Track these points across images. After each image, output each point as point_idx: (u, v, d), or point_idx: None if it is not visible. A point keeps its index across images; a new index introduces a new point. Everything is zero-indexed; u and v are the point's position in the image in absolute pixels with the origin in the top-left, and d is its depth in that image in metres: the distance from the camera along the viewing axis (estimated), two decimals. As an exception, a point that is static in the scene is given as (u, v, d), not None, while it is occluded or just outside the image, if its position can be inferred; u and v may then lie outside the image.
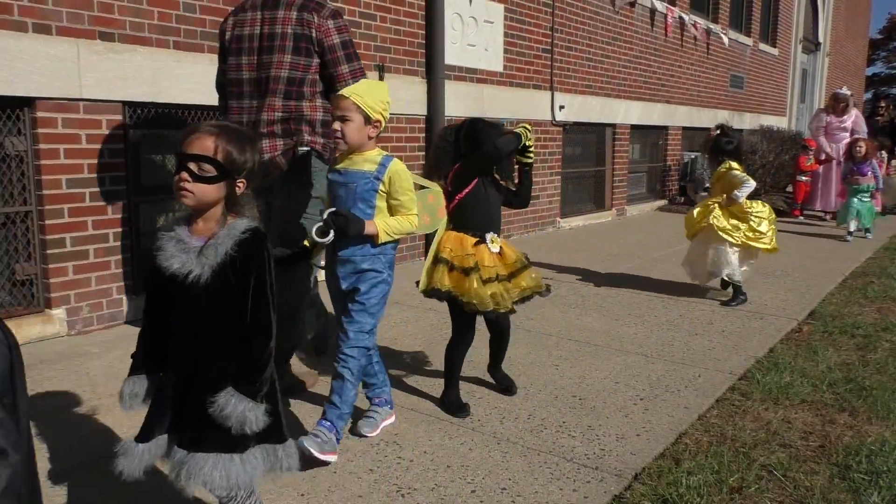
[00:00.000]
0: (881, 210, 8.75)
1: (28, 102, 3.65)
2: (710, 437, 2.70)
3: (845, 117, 9.18)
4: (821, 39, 17.41)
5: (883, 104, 12.46)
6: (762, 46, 13.65)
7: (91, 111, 3.87)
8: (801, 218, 9.20)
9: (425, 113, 5.99)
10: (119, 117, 4.01)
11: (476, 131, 2.89)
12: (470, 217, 2.86)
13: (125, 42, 3.98)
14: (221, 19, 4.38)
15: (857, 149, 7.41)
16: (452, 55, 6.20)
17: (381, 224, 2.46)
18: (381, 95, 2.47)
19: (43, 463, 2.42)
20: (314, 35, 2.93)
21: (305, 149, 2.97)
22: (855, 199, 7.44)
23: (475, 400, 3.01)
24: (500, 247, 2.89)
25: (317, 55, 2.96)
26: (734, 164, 4.66)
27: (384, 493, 2.26)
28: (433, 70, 5.94)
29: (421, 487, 2.29)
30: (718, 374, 3.36)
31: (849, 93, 9.39)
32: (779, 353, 3.68)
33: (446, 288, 2.74)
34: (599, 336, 3.94)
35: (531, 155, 2.98)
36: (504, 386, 3.12)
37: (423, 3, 5.89)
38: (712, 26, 11.25)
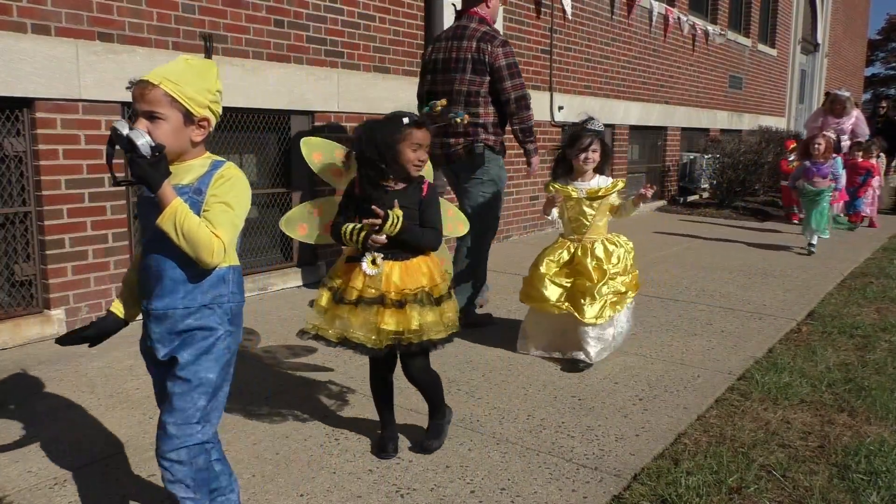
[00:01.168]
0: (853, 219, 8.40)
1: (27, 103, 3.65)
2: (710, 437, 2.70)
3: (843, 119, 8.81)
4: (819, 40, 17.43)
5: (884, 104, 11.94)
6: (761, 47, 13.67)
7: (90, 112, 3.87)
8: (798, 222, 8.67)
9: (424, 114, 5.98)
10: (118, 118, 4.01)
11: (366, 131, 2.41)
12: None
13: (124, 43, 3.98)
14: (220, 19, 4.41)
15: (816, 146, 6.45)
16: (451, 56, 6.19)
17: (178, 205, 1.69)
18: (206, 82, 1.79)
19: (42, 464, 2.42)
20: (486, 59, 3.92)
21: (480, 144, 4.04)
22: (811, 208, 6.55)
23: (474, 400, 3.01)
24: (400, 270, 2.35)
25: (487, 74, 3.94)
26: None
27: (383, 493, 2.26)
28: (432, 71, 5.94)
29: (420, 488, 2.29)
30: (717, 374, 3.36)
31: (847, 94, 9.03)
32: (778, 354, 3.68)
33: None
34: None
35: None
36: (421, 444, 2.56)
37: (423, 4, 5.89)
38: (710, 27, 11.26)
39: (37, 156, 3.70)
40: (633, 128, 9.42)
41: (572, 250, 3.51)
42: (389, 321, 2.30)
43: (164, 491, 2.23)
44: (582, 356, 3.41)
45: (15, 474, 2.35)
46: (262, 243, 5.08)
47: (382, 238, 2.30)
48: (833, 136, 6.63)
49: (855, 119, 8.88)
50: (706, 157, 10.92)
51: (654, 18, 9.56)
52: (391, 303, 2.31)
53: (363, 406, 2.94)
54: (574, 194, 3.45)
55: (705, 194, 11.16)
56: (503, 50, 3.92)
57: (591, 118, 3.43)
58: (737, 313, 4.46)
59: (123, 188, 4.07)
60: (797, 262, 6.09)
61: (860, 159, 8.45)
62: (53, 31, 3.69)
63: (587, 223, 3.49)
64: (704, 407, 2.97)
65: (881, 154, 9.14)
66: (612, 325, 3.45)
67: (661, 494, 2.26)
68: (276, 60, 4.80)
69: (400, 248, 2.36)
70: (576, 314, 3.35)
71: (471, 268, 4.09)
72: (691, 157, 11.10)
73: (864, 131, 8.99)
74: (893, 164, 10.24)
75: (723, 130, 11.95)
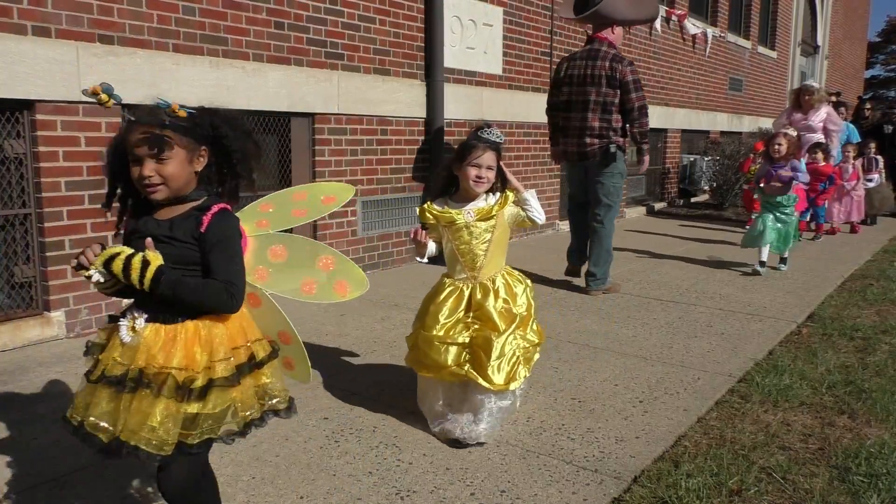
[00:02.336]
0: (818, 230, 7.71)
1: (27, 105, 3.65)
2: (710, 439, 2.69)
3: (811, 115, 7.79)
4: (819, 42, 17.44)
5: (869, 105, 11.12)
6: (761, 49, 13.68)
7: (90, 114, 3.87)
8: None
9: (424, 115, 6.00)
10: (118, 120, 4.01)
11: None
12: None
13: (124, 45, 3.98)
14: (220, 21, 4.41)
15: (776, 146, 5.57)
16: (451, 58, 6.20)
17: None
18: None
19: (42, 467, 2.42)
20: (617, 76, 4.78)
21: (614, 145, 4.89)
22: (770, 217, 5.63)
23: (474, 402, 3.01)
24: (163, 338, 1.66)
25: (617, 88, 4.81)
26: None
27: (383, 495, 2.25)
28: (432, 73, 5.94)
29: (420, 490, 2.29)
30: (718, 376, 3.36)
31: (816, 85, 8.04)
32: (778, 356, 3.68)
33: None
34: (598, 338, 3.93)
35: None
36: None
37: (423, 6, 5.90)
38: (710, 29, 11.27)
39: (37, 157, 3.70)
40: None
41: (466, 293, 2.67)
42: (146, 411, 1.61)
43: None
44: (468, 433, 2.56)
45: (14, 476, 2.35)
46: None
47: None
48: (794, 133, 5.81)
49: (826, 115, 7.91)
50: (706, 159, 10.92)
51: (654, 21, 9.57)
52: (143, 384, 1.62)
53: (363, 408, 2.93)
54: (459, 219, 2.66)
55: (705, 196, 11.16)
56: (630, 69, 4.82)
57: (487, 125, 2.70)
58: (737, 315, 4.46)
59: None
60: (797, 264, 6.08)
61: (821, 163, 7.27)
62: (54, 33, 3.69)
63: (481, 254, 2.68)
64: (705, 409, 2.97)
65: (856, 157, 8.31)
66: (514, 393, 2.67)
67: (661, 497, 2.26)
68: (277, 62, 4.80)
69: (168, 307, 1.66)
70: (480, 380, 2.54)
71: (608, 244, 4.97)
72: (691, 158, 11.10)
73: (838, 130, 8.06)
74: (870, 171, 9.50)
75: (723, 132, 11.95)
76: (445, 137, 6.17)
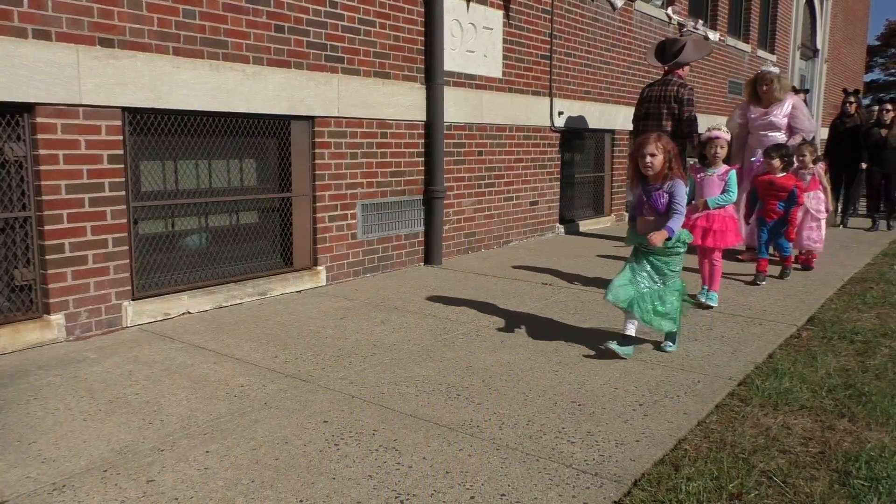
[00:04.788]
0: (786, 263, 5.66)
1: (28, 108, 3.66)
2: (710, 442, 2.69)
3: (773, 108, 6.36)
4: (819, 46, 17.47)
5: (853, 100, 9.56)
6: (760, 53, 13.69)
7: (90, 117, 3.87)
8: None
9: (424, 119, 6.00)
10: (118, 123, 4.01)
11: None
12: None
13: (125, 48, 3.99)
14: (221, 25, 4.42)
15: (647, 159, 3.53)
16: (451, 61, 6.21)
17: None
18: None
19: (41, 469, 2.42)
20: (678, 95, 6.67)
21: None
22: (640, 265, 3.65)
23: (474, 406, 3.01)
24: None
25: (676, 104, 6.66)
26: None
27: (383, 499, 2.25)
28: (432, 76, 5.95)
29: (420, 493, 2.28)
30: (718, 379, 3.35)
31: (776, 70, 6.57)
32: (778, 359, 3.67)
33: None
34: (599, 341, 3.93)
35: None
36: None
37: (423, 10, 5.91)
38: (710, 33, 11.28)
39: (37, 161, 3.71)
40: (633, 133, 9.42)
41: None
42: None
43: (162, 496, 2.23)
44: None
45: (14, 479, 2.35)
46: (262, 248, 5.08)
47: None
48: (727, 136, 4.82)
49: (792, 108, 6.37)
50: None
51: (654, 24, 9.58)
52: None
53: (363, 411, 2.93)
54: None
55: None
56: (687, 91, 6.66)
57: None
58: (737, 318, 4.46)
59: (123, 193, 4.08)
60: (797, 267, 6.08)
61: (779, 174, 5.40)
62: (54, 37, 3.70)
63: None
64: (705, 412, 2.97)
65: (819, 159, 6.38)
66: None
67: (661, 500, 2.26)
68: (277, 66, 4.80)
69: None
70: None
71: None
72: (691, 162, 11.10)
73: (807, 126, 6.44)
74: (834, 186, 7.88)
75: (722, 136, 11.94)
76: (445, 141, 6.18)
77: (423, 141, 6.05)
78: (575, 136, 8.28)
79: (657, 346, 3.82)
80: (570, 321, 4.37)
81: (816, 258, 6.16)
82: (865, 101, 12.04)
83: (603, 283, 5.40)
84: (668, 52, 7.07)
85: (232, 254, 4.86)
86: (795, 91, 9.34)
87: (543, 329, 4.18)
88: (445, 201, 6.29)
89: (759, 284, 5.43)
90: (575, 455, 2.56)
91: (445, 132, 6.15)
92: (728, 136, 4.82)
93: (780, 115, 6.38)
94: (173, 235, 4.54)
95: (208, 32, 4.38)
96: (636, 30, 9.20)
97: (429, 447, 2.62)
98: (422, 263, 6.21)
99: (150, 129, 4.24)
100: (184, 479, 2.35)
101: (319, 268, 5.29)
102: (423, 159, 6.07)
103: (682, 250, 3.67)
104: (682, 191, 3.56)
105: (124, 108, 4.03)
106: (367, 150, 5.56)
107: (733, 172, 4.71)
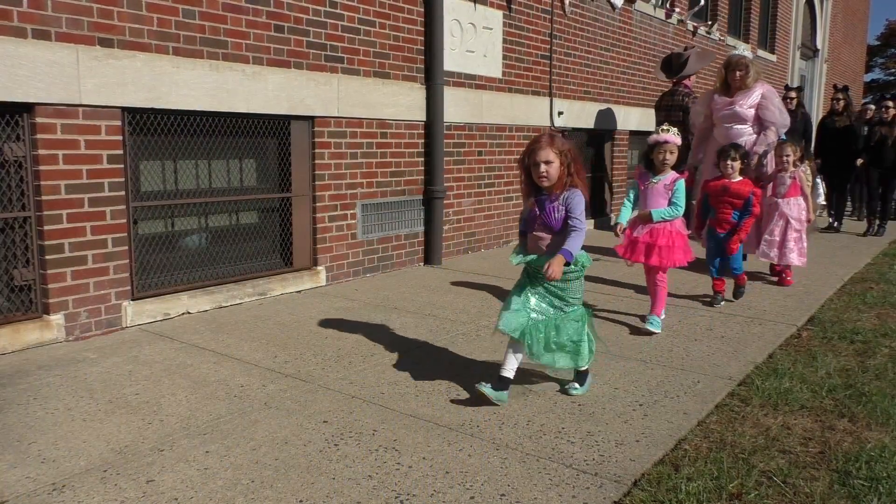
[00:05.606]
0: (739, 281, 4.89)
1: (27, 108, 3.66)
2: (710, 443, 2.69)
3: (739, 97, 5.52)
4: (819, 46, 17.47)
5: (840, 97, 8.79)
6: (760, 53, 13.69)
7: (90, 117, 3.87)
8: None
9: (424, 119, 6.00)
10: (118, 123, 4.01)
11: None
12: None
13: (124, 48, 3.99)
14: (220, 24, 4.42)
15: (542, 168, 2.90)
16: (451, 61, 6.21)
17: None
18: None
19: (41, 470, 2.42)
20: (683, 105, 7.53)
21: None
22: (532, 291, 3.02)
23: (473, 406, 3.01)
24: None
25: (682, 113, 7.49)
26: None
27: (383, 499, 2.25)
28: (432, 76, 5.95)
29: (420, 493, 2.28)
30: (718, 379, 3.35)
31: (748, 54, 5.67)
32: (778, 359, 3.67)
33: None
34: (598, 341, 3.92)
35: None
36: None
37: (423, 10, 5.90)
38: (711, 33, 11.27)
39: (37, 160, 3.71)
40: (633, 133, 9.43)
41: None
42: None
43: (162, 497, 2.23)
44: None
45: (13, 480, 2.35)
46: (262, 248, 5.08)
47: None
48: (677, 140, 4.07)
49: (761, 98, 5.53)
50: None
51: (654, 23, 9.58)
52: None
53: (363, 411, 2.93)
54: None
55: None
56: (691, 100, 7.45)
57: None
58: (737, 319, 4.46)
59: (122, 193, 4.07)
60: (797, 268, 6.08)
61: (734, 178, 4.75)
62: (54, 37, 3.69)
63: None
64: (705, 412, 2.96)
65: (803, 158, 5.54)
66: None
67: (661, 500, 2.25)
68: (277, 66, 4.80)
69: None
70: None
71: None
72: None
73: (778, 119, 5.55)
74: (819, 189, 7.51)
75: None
76: (445, 141, 6.17)
77: (422, 141, 6.05)
78: (575, 135, 8.27)
79: (563, 388, 3.16)
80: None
81: (790, 281, 5.41)
82: (865, 101, 11.47)
83: (603, 281, 5.40)
84: (673, 65, 7.94)
85: (232, 254, 4.86)
86: (788, 89, 9.26)
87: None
88: (445, 201, 6.28)
89: (714, 307, 4.73)
90: (575, 455, 2.56)
91: (445, 132, 6.15)
92: (678, 141, 4.09)
93: (745, 104, 5.55)
94: (173, 235, 4.53)
95: (208, 32, 4.38)
96: (636, 30, 9.19)
97: (429, 447, 2.61)
98: (422, 263, 6.21)
99: (150, 129, 4.24)
100: (183, 480, 2.34)
101: (319, 268, 5.29)
102: (422, 159, 6.07)
103: (579, 275, 3.04)
104: (580, 203, 2.92)
105: (124, 108, 4.03)
106: (366, 150, 5.56)
107: (681, 182, 4.08)
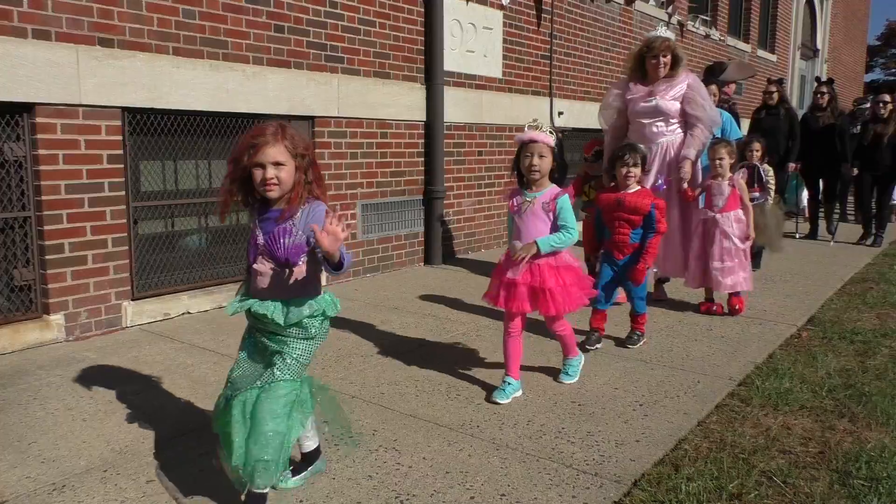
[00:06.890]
0: (639, 319, 3.89)
1: (27, 108, 3.66)
2: (710, 443, 2.69)
3: (660, 87, 4.38)
4: (819, 46, 17.47)
5: (825, 90, 7.71)
6: (760, 53, 13.69)
7: (90, 117, 3.87)
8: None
9: (424, 119, 6.00)
10: (118, 123, 4.01)
11: None
12: None
13: (124, 48, 3.98)
14: (220, 25, 4.42)
15: (269, 173, 2.05)
16: (451, 61, 6.21)
17: None
18: None
19: (41, 470, 2.42)
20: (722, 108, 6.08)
21: None
22: (255, 347, 2.34)
23: (473, 406, 3.01)
24: None
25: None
26: None
27: (383, 499, 2.25)
28: (432, 76, 5.95)
29: (420, 493, 2.28)
30: (718, 380, 3.35)
31: (672, 36, 4.45)
32: (778, 359, 3.67)
33: None
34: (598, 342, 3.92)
35: None
36: None
37: (423, 10, 5.90)
38: (712, 32, 11.28)
39: (37, 160, 3.71)
40: (633, 133, 9.42)
41: None
42: None
43: (162, 497, 2.23)
44: None
45: (14, 480, 2.35)
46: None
47: None
48: (550, 140, 3.05)
49: (687, 88, 4.39)
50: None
51: (654, 24, 9.58)
52: None
53: (362, 411, 2.93)
54: None
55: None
56: (727, 106, 6.41)
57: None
58: (737, 319, 4.45)
59: (122, 193, 4.07)
60: (797, 268, 6.08)
61: (630, 188, 3.71)
62: (54, 37, 3.69)
63: None
64: (705, 413, 2.96)
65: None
66: None
67: (661, 500, 2.25)
68: (277, 66, 4.80)
69: None
70: None
71: None
72: None
73: (707, 114, 4.40)
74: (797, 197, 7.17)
75: (722, 136, 11.94)
76: (445, 141, 6.17)
77: (422, 141, 6.05)
78: (575, 135, 8.27)
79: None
80: (570, 321, 4.36)
81: (742, 308, 4.52)
82: (860, 102, 10.96)
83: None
84: (716, 71, 7.70)
85: (232, 254, 4.86)
86: (769, 82, 7.80)
87: (543, 329, 4.16)
88: (445, 201, 6.28)
89: (588, 350, 3.71)
90: (575, 455, 2.56)
91: (445, 132, 6.15)
92: (551, 141, 3.06)
93: (668, 96, 4.37)
94: (173, 235, 4.53)
95: (208, 32, 4.38)
96: (636, 30, 9.19)
97: (429, 447, 2.61)
98: (422, 264, 6.21)
99: (150, 129, 4.24)
100: (184, 480, 2.34)
101: (319, 268, 5.28)
102: (422, 159, 6.07)
103: (313, 330, 2.23)
104: (320, 220, 2.02)
105: (124, 108, 4.03)
106: (367, 151, 5.56)
107: (565, 198, 3.07)
